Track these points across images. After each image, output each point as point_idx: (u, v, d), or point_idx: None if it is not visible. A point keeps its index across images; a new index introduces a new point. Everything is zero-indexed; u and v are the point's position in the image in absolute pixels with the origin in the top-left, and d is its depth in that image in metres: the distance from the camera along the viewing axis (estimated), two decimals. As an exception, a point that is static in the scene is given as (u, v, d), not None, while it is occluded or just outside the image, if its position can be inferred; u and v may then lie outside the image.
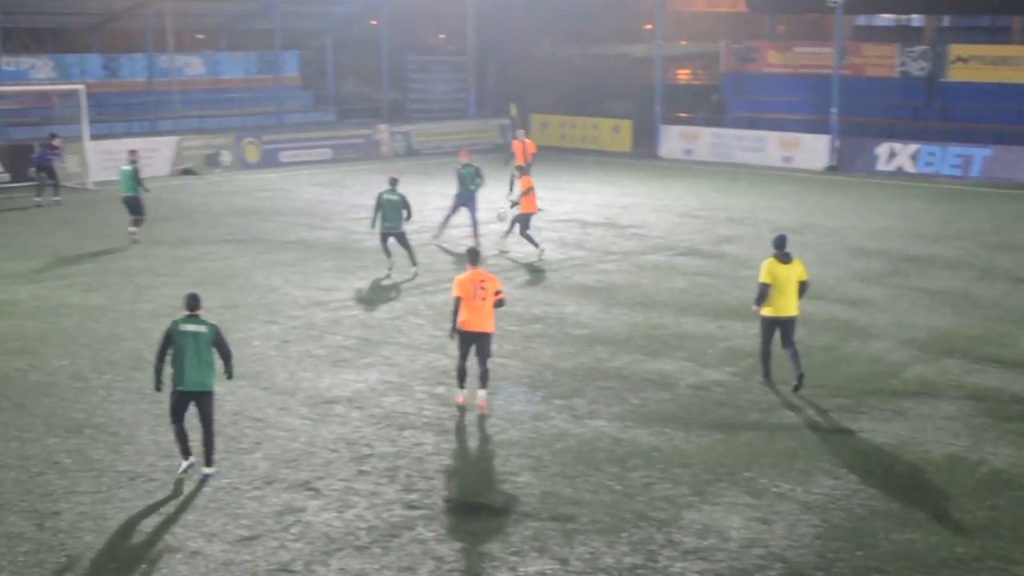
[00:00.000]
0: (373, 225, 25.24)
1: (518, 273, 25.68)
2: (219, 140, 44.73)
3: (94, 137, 40.12)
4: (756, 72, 51.50)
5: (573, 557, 11.99)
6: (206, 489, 13.60)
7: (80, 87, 40.17)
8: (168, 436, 14.91)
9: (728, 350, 19.45)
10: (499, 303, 16.33)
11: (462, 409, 16.35)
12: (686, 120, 51.36)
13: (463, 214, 29.04)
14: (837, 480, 13.99)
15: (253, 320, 21.37)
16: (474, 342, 16.14)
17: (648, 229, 31.51)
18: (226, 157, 44.27)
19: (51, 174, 35.45)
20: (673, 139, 49.70)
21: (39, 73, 45.32)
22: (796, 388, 17.14)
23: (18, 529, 12.59)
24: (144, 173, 40.47)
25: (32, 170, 35.61)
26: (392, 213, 24.81)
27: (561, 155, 49.88)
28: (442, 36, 70.68)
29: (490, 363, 16.43)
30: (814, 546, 12.30)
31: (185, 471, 14.03)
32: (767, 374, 17.54)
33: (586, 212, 34.55)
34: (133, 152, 30.39)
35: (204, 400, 13.98)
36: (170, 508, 13.12)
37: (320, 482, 13.89)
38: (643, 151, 50.30)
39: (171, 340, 13.83)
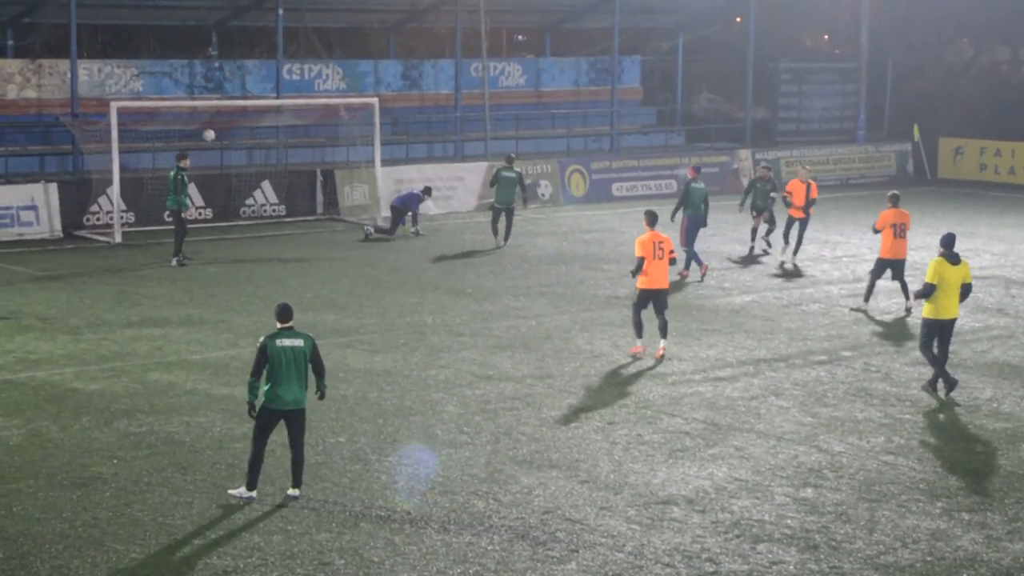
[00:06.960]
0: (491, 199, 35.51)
1: (891, 337, 25.08)
2: (538, 167, 45.66)
3: (386, 162, 41.55)
4: None
5: None
6: (505, 606, 13.81)
7: (373, 100, 41.77)
8: (462, 537, 15.26)
9: None
10: (672, 261, 23.95)
11: (635, 357, 23.66)
12: None
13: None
14: None
15: (570, 394, 21.65)
16: (652, 298, 23.88)
17: (1097, 291, 30.42)
18: (546, 188, 45.20)
19: (396, 217, 37.89)
20: None
21: (327, 83, 47.31)
22: (948, 391, 21.35)
23: (276, 642, 13.12)
24: (443, 208, 42.15)
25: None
26: (507, 189, 35.19)
27: (980, 191, 48.58)
28: (826, 37, 70.28)
29: (667, 315, 23.97)
30: None
31: (239, 500, 16.32)
32: (945, 377, 21.38)
33: (1013, 267, 33.59)
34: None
35: (297, 418, 16.60)
36: (459, 627, 13.39)
37: (648, 605, 13.90)
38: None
39: (266, 357, 16.26)
